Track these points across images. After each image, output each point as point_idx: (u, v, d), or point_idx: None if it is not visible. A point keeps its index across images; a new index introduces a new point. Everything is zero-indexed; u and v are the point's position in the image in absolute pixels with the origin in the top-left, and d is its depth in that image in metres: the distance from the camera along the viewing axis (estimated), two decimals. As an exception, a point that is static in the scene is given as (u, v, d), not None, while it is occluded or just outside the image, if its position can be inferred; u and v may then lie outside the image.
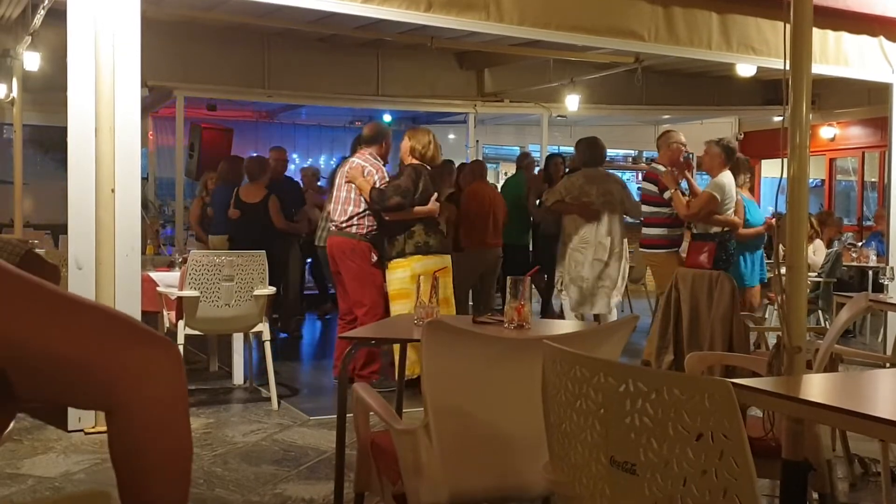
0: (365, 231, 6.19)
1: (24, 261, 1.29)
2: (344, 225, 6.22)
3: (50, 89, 7.62)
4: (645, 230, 7.09)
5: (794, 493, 2.37)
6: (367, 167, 6.23)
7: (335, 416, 3.42)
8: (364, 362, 6.17)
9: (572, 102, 11.17)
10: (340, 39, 10.77)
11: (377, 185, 6.08)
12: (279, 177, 8.62)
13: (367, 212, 6.17)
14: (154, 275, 6.11)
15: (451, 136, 13.26)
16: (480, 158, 11.37)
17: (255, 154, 10.00)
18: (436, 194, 6.14)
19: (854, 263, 9.35)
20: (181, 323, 5.57)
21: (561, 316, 7.80)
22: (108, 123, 5.00)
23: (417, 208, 6.02)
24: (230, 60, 10.66)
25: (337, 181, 6.42)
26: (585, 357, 1.73)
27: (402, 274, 5.98)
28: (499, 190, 9.13)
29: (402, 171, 6.15)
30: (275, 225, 8.07)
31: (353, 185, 6.19)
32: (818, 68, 6.48)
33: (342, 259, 6.22)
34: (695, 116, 13.64)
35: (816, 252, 8.75)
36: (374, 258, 6.19)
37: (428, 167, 6.14)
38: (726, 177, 6.46)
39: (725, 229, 6.43)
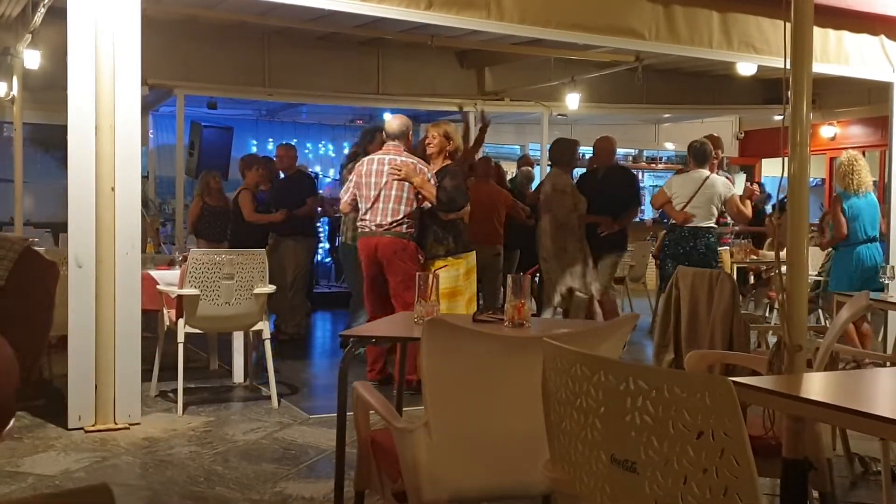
0: (413, 230, 6.10)
1: (22, 258, 1.29)
2: (394, 224, 6.03)
3: (50, 87, 7.62)
4: None
5: (795, 491, 2.37)
6: (418, 165, 6.11)
7: (335, 414, 3.42)
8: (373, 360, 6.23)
9: (573, 101, 11.16)
10: (341, 38, 10.77)
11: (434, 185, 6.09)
12: (288, 172, 8.66)
13: (415, 211, 6.09)
14: (154, 273, 6.12)
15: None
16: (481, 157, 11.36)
17: (251, 153, 10.12)
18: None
19: (854, 262, 9.31)
20: (181, 321, 5.57)
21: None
22: (109, 122, 5.00)
23: (466, 208, 6.27)
24: (230, 59, 10.66)
25: (371, 179, 6.08)
26: (586, 355, 1.73)
27: (454, 272, 6.11)
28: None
29: (451, 171, 6.18)
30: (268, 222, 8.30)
31: (405, 184, 6.02)
32: (819, 67, 6.49)
33: (391, 259, 6.00)
34: (695, 115, 13.64)
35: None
36: (421, 259, 6.13)
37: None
38: (682, 175, 7.26)
39: (672, 223, 7.19)
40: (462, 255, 6.28)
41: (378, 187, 6.05)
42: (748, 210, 7.25)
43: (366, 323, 6.23)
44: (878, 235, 7.52)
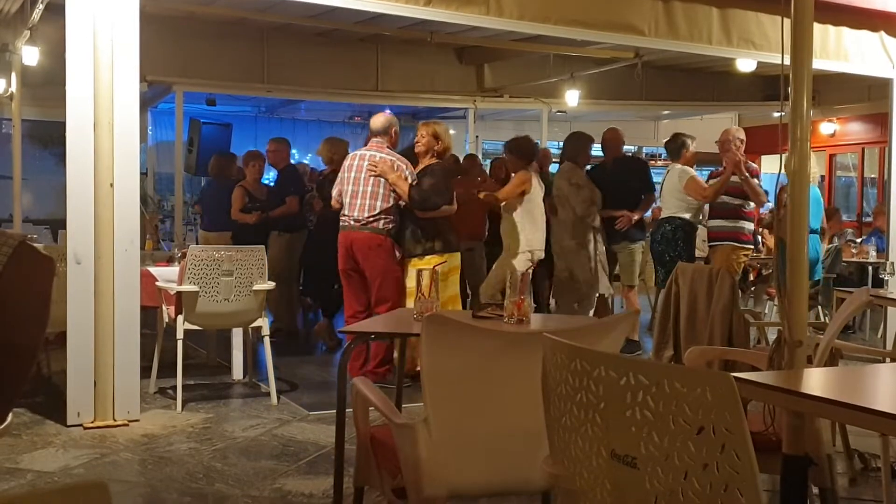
0: (391, 227, 6.16)
1: (16, 253, 1.29)
2: (370, 220, 6.10)
3: (49, 84, 7.60)
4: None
5: (795, 487, 2.36)
6: (396, 162, 6.16)
7: (334, 410, 3.42)
8: (380, 360, 6.17)
9: (572, 98, 11.15)
10: (340, 34, 10.75)
11: (411, 183, 6.09)
12: (278, 167, 8.56)
13: (394, 207, 6.14)
14: (153, 270, 6.11)
15: (451, 132, 13.21)
16: (479, 154, 11.36)
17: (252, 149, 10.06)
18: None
19: (854, 259, 9.35)
20: (180, 318, 5.57)
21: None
22: (107, 118, 4.99)
23: (445, 208, 6.15)
24: (229, 55, 10.63)
25: (352, 174, 6.20)
26: (586, 350, 1.72)
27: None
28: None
29: (432, 170, 6.17)
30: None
31: (381, 180, 6.09)
32: (818, 63, 6.49)
33: (366, 255, 6.09)
34: (694, 112, 13.62)
35: None
36: (398, 255, 6.17)
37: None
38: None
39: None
40: (444, 255, 6.18)
41: (357, 182, 6.15)
42: (707, 188, 7.11)
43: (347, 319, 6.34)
44: (818, 229, 7.63)
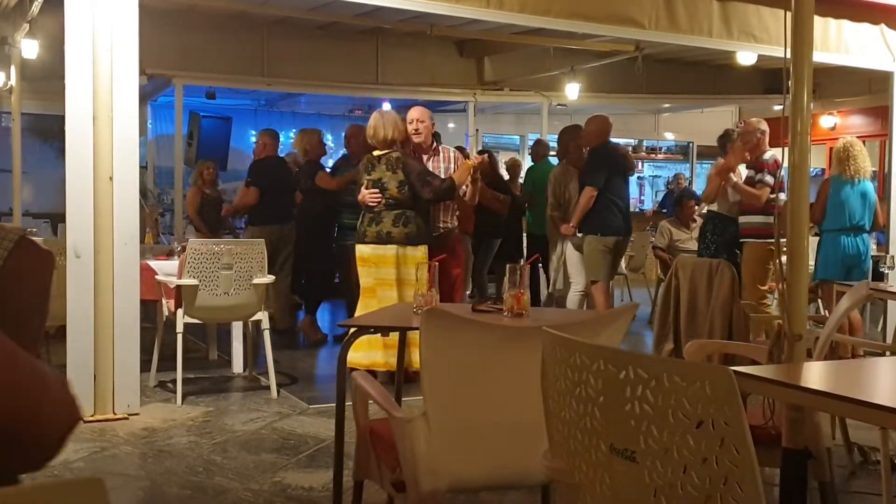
0: None
1: (17, 247, 1.28)
2: None
3: (48, 77, 7.60)
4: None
5: (794, 481, 2.36)
6: None
7: (334, 404, 3.42)
8: None
9: (572, 91, 11.14)
10: (340, 27, 10.75)
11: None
12: (269, 160, 8.22)
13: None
14: (153, 263, 6.11)
15: (451, 125, 13.22)
16: (480, 147, 11.35)
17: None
18: (366, 181, 6.01)
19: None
20: (180, 311, 5.57)
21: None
22: (106, 112, 4.99)
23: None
24: (229, 48, 10.63)
25: None
26: (585, 344, 1.72)
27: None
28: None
29: None
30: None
31: None
32: (819, 56, 6.45)
33: None
34: (695, 105, 13.62)
35: None
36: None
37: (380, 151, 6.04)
38: None
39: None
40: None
41: None
42: (749, 191, 6.70)
43: None
44: (865, 226, 7.18)
